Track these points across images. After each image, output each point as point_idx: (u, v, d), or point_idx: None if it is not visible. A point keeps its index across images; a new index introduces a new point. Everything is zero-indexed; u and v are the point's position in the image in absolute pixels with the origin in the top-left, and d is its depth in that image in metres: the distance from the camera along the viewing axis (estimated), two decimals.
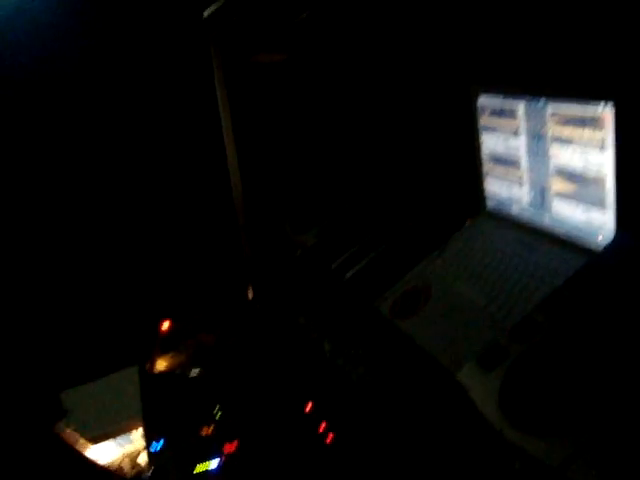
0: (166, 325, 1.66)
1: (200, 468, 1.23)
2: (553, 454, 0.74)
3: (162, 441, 1.29)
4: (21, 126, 1.64)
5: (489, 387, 0.86)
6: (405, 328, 1.19)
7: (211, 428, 1.30)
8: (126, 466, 1.48)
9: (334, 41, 1.61)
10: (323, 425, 1.23)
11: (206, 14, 1.64)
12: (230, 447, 1.25)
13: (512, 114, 1.22)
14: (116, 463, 1.48)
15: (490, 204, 1.37)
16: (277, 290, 1.72)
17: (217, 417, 1.33)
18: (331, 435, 1.21)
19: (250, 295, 1.84)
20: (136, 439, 1.48)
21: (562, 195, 1.14)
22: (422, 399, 1.06)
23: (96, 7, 1.70)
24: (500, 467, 0.81)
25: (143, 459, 1.47)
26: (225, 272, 1.85)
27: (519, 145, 1.22)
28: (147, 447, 1.33)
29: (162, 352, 1.56)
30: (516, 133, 1.22)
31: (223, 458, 1.23)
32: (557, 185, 1.15)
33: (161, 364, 1.52)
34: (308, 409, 1.29)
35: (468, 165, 1.35)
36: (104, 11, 1.71)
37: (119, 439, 1.45)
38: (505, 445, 0.79)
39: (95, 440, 1.38)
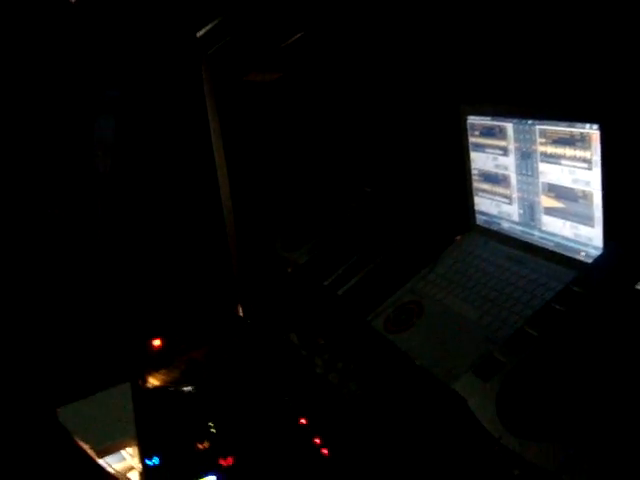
0: (157, 342, 1.66)
1: None
2: (550, 459, 0.76)
3: (157, 457, 1.29)
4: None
5: (486, 396, 0.88)
6: (399, 342, 1.21)
7: (206, 443, 1.31)
8: None
9: (325, 60, 1.64)
10: (317, 440, 1.25)
11: (200, 34, 1.67)
12: (226, 462, 1.25)
13: (501, 134, 1.25)
14: None
15: (480, 220, 1.40)
16: (268, 307, 1.73)
17: (212, 432, 1.33)
18: (326, 450, 1.22)
19: (240, 312, 1.85)
20: (127, 457, 1.48)
21: (551, 211, 1.18)
22: (418, 410, 1.08)
23: (89, 21, 1.72)
24: (500, 474, 0.83)
25: (134, 476, 1.47)
26: (215, 289, 1.86)
27: (508, 163, 1.26)
28: (142, 463, 1.33)
29: (154, 369, 1.56)
30: (505, 152, 1.26)
31: (219, 473, 1.24)
32: (546, 201, 1.18)
33: (153, 381, 1.52)
34: (302, 422, 1.31)
35: (458, 182, 1.38)
36: (96, 25, 1.73)
37: (109, 457, 1.44)
38: (504, 452, 0.81)
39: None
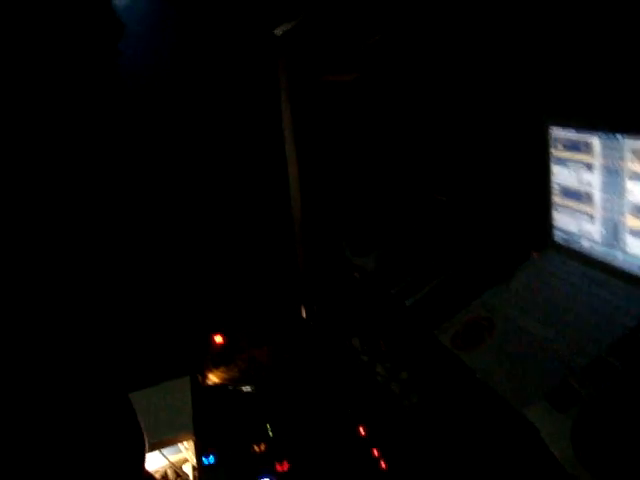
0: (219, 339, 1.67)
1: None
2: None
3: (213, 456, 1.30)
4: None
5: (562, 428, 0.84)
6: (467, 360, 1.17)
7: (263, 446, 1.30)
8: (171, 475, 1.49)
9: (404, 63, 1.61)
10: (375, 450, 1.22)
11: (278, 32, 1.66)
12: (281, 467, 1.24)
13: (586, 148, 1.19)
14: (160, 472, 1.48)
15: (558, 237, 1.34)
16: (332, 310, 1.71)
17: (269, 435, 1.33)
18: (383, 461, 1.20)
19: (303, 313, 1.85)
20: (182, 449, 1.49)
21: (637, 232, 1.11)
22: (483, 433, 1.04)
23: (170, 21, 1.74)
24: None
25: (188, 469, 1.48)
26: (281, 289, 1.86)
27: (592, 180, 1.20)
28: (197, 460, 1.33)
29: (214, 366, 1.57)
30: (590, 167, 1.20)
31: (274, 477, 1.23)
32: (632, 222, 1.12)
33: (213, 378, 1.53)
34: (361, 433, 1.28)
35: (537, 196, 1.33)
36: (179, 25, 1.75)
37: (165, 450, 1.45)
38: None
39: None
